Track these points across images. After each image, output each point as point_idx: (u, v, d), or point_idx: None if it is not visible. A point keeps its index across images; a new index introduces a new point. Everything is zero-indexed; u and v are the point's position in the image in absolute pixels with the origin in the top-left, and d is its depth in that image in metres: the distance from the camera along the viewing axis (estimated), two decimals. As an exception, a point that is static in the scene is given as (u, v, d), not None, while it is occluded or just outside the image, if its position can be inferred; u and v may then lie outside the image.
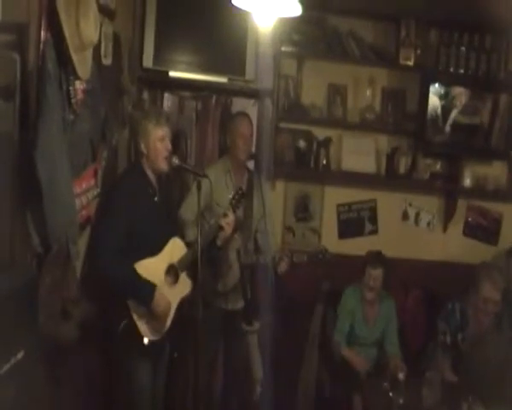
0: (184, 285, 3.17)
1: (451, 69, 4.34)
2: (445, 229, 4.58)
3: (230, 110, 4.20)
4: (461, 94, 4.31)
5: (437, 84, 4.28)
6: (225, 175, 3.60)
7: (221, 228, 3.20)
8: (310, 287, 4.17)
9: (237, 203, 3.28)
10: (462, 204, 4.57)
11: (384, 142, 4.46)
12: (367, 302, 3.87)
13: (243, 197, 3.32)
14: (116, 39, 3.32)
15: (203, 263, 2.90)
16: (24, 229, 2.24)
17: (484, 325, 3.58)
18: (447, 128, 4.31)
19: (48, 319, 2.29)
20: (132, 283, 2.89)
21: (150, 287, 2.92)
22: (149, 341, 2.96)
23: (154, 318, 2.97)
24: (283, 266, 3.44)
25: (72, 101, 2.52)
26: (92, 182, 2.85)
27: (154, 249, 3.01)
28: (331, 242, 3.83)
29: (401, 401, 3.06)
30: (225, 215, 3.21)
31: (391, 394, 3.13)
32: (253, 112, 4.10)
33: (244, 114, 3.74)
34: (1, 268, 2.01)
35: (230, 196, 3.31)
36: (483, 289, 3.51)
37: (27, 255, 2.25)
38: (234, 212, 3.24)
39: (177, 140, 3.98)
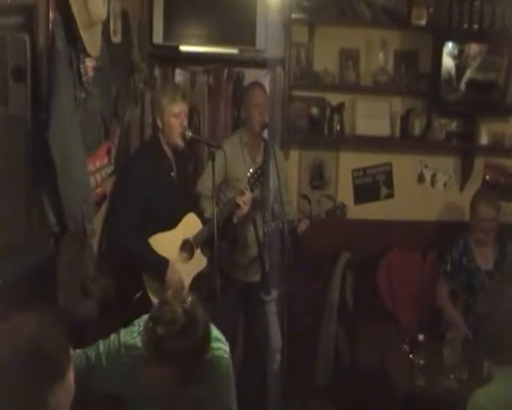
0: (199, 261, 3.20)
1: (465, 25, 4.24)
2: (462, 189, 4.53)
3: (242, 83, 4.19)
4: (475, 51, 4.23)
5: (450, 44, 4.20)
6: (242, 148, 3.61)
7: (238, 206, 3.22)
8: (328, 255, 4.20)
9: (255, 182, 3.27)
10: (479, 163, 4.51)
11: (398, 104, 4.41)
12: None
13: (262, 176, 3.31)
14: (125, 16, 3.31)
15: (220, 238, 2.93)
16: (40, 209, 2.28)
17: (485, 245, 3.81)
18: (462, 86, 4.24)
19: (67, 297, 2.34)
20: (146, 257, 2.95)
21: (163, 262, 2.97)
22: None
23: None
24: (303, 226, 3.49)
25: (83, 79, 2.53)
26: (106, 160, 2.89)
27: (170, 224, 3.05)
28: (347, 208, 3.80)
29: (422, 362, 3.08)
30: (242, 193, 3.22)
31: (411, 356, 3.15)
32: (265, 82, 4.07)
33: (258, 84, 3.75)
34: (19, 248, 2.06)
35: (249, 175, 3.30)
36: (478, 210, 3.77)
37: (44, 235, 2.30)
38: (251, 191, 3.25)
39: (190, 116, 3.98)
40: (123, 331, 2.06)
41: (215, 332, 2.04)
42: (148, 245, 2.93)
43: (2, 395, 1.34)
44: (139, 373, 1.85)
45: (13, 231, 2.06)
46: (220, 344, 2.04)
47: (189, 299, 1.82)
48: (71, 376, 1.49)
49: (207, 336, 1.86)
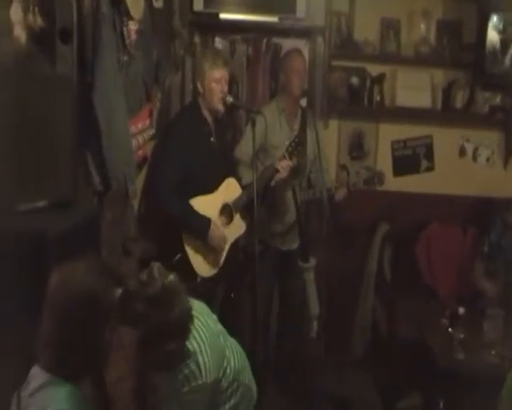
0: (238, 226, 3.22)
1: (514, -8, 4.11)
2: (505, 164, 4.40)
3: (280, 55, 4.16)
4: (522, 22, 4.10)
5: (495, 17, 4.07)
6: (279, 115, 3.60)
7: (277, 171, 3.23)
8: (366, 226, 4.17)
9: (293, 150, 3.29)
10: (524, 138, 4.39)
11: (440, 76, 4.31)
12: None
13: (300, 145, 3.32)
14: (167, -18, 3.32)
15: (259, 205, 2.94)
16: (85, 168, 2.32)
17: None
18: (507, 58, 4.12)
19: (110, 254, 2.40)
20: (189, 217, 2.98)
21: (206, 221, 3.00)
22: (202, 279, 3.04)
23: (208, 254, 3.04)
24: (341, 194, 3.45)
25: (126, 42, 2.57)
26: (147, 122, 2.92)
27: (208, 189, 3.07)
28: (386, 179, 3.76)
29: (462, 335, 3.04)
30: (281, 159, 3.24)
31: (450, 329, 3.12)
32: (304, 52, 4.03)
33: (297, 50, 3.74)
34: (65, 205, 2.10)
35: (287, 143, 3.33)
36: None
37: (89, 193, 2.35)
38: (290, 159, 3.26)
39: (229, 84, 3.99)
40: None
41: (202, 358, 1.90)
42: (190, 205, 2.96)
43: (65, 333, 1.56)
44: None
45: (60, 189, 2.10)
46: (195, 369, 1.88)
47: (172, 278, 1.78)
48: None
49: (180, 329, 1.78)
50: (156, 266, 1.78)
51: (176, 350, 1.77)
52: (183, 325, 1.79)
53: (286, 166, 3.24)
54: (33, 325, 1.61)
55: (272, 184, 3.26)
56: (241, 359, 2.17)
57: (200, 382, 1.88)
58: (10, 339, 1.82)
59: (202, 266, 3.05)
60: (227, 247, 3.15)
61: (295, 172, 3.44)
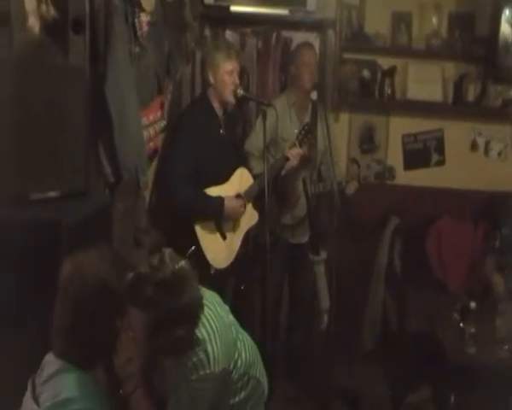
0: (251, 216, 3.24)
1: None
2: (518, 159, 4.40)
3: (290, 49, 4.15)
4: (536, 15, 4.07)
5: (508, 10, 4.05)
6: (289, 108, 3.60)
7: (287, 159, 3.23)
8: (376, 219, 4.17)
9: (303, 138, 3.30)
10: (537, 132, 4.36)
11: (451, 69, 4.29)
12: None
13: (309, 133, 3.34)
14: (177, -25, 3.33)
15: (270, 195, 2.94)
16: (97, 159, 2.33)
17: None
18: (520, 52, 4.09)
19: (121, 245, 2.41)
20: (202, 200, 3.00)
21: (219, 199, 3.03)
22: (215, 270, 3.05)
23: (222, 244, 3.05)
24: (351, 188, 3.45)
25: (138, 33, 2.57)
26: (159, 114, 2.93)
27: (220, 181, 3.09)
28: (397, 173, 3.75)
29: (473, 330, 3.03)
30: (292, 147, 3.26)
31: (461, 324, 3.11)
32: (315, 45, 4.02)
33: (308, 44, 3.75)
34: (77, 196, 2.11)
35: (297, 131, 3.34)
36: None
37: (101, 184, 2.35)
38: (300, 147, 3.26)
39: (239, 76, 3.99)
40: None
41: (211, 347, 1.88)
42: (201, 190, 2.99)
43: (77, 321, 1.60)
44: None
45: (72, 179, 2.10)
46: (204, 357, 1.86)
47: (183, 264, 1.77)
48: None
49: (189, 316, 1.77)
50: (168, 252, 1.77)
51: (184, 337, 1.77)
52: (193, 311, 1.78)
53: (296, 153, 3.26)
54: (46, 313, 1.63)
55: (283, 173, 3.28)
56: (253, 352, 2.17)
57: (207, 371, 1.87)
58: (24, 328, 1.84)
59: (216, 258, 3.06)
60: (240, 238, 3.16)
61: (306, 161, 3.44)
